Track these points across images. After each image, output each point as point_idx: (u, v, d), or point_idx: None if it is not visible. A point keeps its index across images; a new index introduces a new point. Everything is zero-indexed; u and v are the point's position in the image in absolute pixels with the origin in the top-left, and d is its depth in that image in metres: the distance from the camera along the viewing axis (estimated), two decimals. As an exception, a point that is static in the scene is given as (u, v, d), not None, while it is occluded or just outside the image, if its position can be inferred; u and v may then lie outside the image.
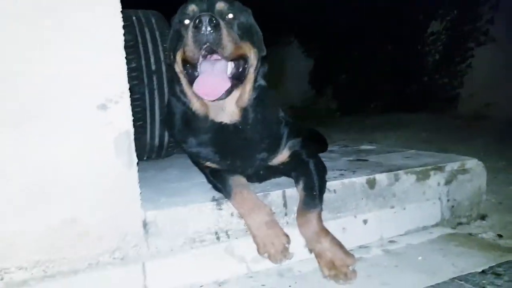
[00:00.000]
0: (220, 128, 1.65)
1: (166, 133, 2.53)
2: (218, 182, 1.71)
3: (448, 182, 2.12)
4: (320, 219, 1.60)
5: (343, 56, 8.91)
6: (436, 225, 2.07)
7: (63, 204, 1.36)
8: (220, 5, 1.57)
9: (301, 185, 1.70)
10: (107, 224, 1.42)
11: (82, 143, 1.37)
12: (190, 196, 1.70)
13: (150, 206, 1.56)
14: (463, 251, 1.75)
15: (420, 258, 1.70)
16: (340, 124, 6.61)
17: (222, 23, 1.45)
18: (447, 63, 7.42)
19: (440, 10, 7.47)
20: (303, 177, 1.71)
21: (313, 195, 1.64)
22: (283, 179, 1.89)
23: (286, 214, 1.74)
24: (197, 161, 1.82)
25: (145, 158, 2.65)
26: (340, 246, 1.57)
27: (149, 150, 2.59)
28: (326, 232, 1.59)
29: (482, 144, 4.38)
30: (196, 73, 1.53)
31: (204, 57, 1.47)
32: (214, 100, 1.52)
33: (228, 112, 1.63)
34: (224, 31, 1.44)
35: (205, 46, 1.42)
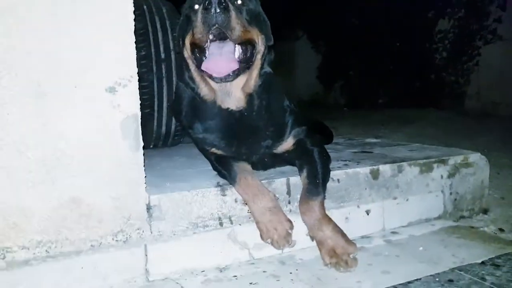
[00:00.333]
0: (227, 114, 1.67)
1: (173, 121, 2.54)
2: (223, 168, 1.72)
3: (451, 175, 2.13)
4: (322, 207, 1.61)
5: (352, 52, 8.90)
6: (439, 217, 2.08)
7: (67, 184, 1.37)
8: None
9: (304, 173, 1.71)
10: (111, 206, 1.44)
11: (89, 123, 1.39)
12: (195, 181, 1.71)
13: (155, 190, 1.58)
14: (464, 243, 1.76)
15: (421, 248, 1.72)
16: (348, 119, 6.61)
17: (231, 6, 1.47)
18: (455, 61, 7.40)
19: (448, 9, 7.45)
20: (307, 165, 1.72)
21: (316, 183, 1.65)
22: (288, 167, 1.90)
23: (289, 202, 1.75)
24: (202, 148, 1.84)
25: (151, 146, 2.67)
26: (342, 234, 1.58)
27: (156, 138, 2.61)
28: (328, 220, 1.60)
29: (487, 140, 4.38)
30: (204, 58, 1.55)
31: (213, 41, 1.49)
32: (222, 80, 1.52)
33: (234, 97, 1.64)
34: (233, 13, 1.46)
35: (214, 27, 1.44)
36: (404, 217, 1.98)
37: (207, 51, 1.52)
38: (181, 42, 1.67)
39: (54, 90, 1.33)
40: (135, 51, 1.44)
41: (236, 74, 1.53)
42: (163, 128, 2.57)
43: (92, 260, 1.41)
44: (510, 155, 3.66)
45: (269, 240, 1.58)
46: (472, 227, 2.00)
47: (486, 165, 2.26)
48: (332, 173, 1.81)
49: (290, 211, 1.73)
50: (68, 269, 1.38)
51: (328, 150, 1.91)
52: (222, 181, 1.71)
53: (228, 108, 1.66)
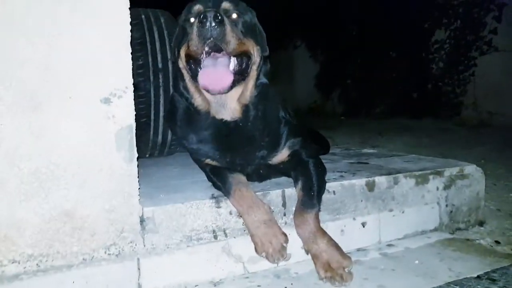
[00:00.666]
0: (221, 125, 1.66)
1: (169, 130, 2.54)
2: (217, 179, 1.71)
3: (447, 187, 2.12)
4: (317, 220, 1.60)
5: (349, 61, 8.97)
6: (435, 229, 2.07)
7: (60, 196, 1.36)
8: (225, 5, 1.60)
9: (299, 185, 1.70)
10: (104, 219, 1.42)
11: (83, 135, 1.38)
12: (189, 193, 1.70)
13: (149, 202, 1.56)
14: (460, 256, 1.75)
15: (417, 262, 1.70)
16: (345, 128, 6.64)
17: (226, 19, 1.48)
18: (451, 71, 7.47)
19: (444, 19, 7.53)
20: (302, 177, 1.72)
21: (311, 196, 1.64)
22: (283, 179, 1.89)
23: (285, 214, 1.74)
24: (197, 158, 1.83)
25: (147, 155, 2.66)
26: (337, 247, 1.57)
27: (152, 147, 2.60)
28: (323, 233, 1.59)
29: (483, 151, 4.39)
30: (199, 69, 1.55)
31: (208, 53, 1.49)
32: (217, 93, 1.52)
33: (229, 108, 1.64)
34: (228, 27, 1.47)
35: (209, 41, 1.45)
36: (400, 230, 1.97)
37: (202, 63, 1.53)
38: (176, 53, 1.68)
39: (48, 101, 1.32)
40: (130, 62, 1.43)
41: (231, 86, 1.53)
42: (159, 137, 2.57)
43: (83, 274, 1.39)
44: (506, 166, 3.67)
45: (263, 254, 1.56)
46: (468, 240, 1.99)
47: (481, 176, 2.26)
48: (327, 185, 1.81)
49: (286, 223, 1.72)
50: (59, 284, 1.36)
51: (324, 161, 1.90)
52: (216, 192, 1.69)
53: (222, 119, 1.65)
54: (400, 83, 8.17)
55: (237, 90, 1.62)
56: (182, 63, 1.64)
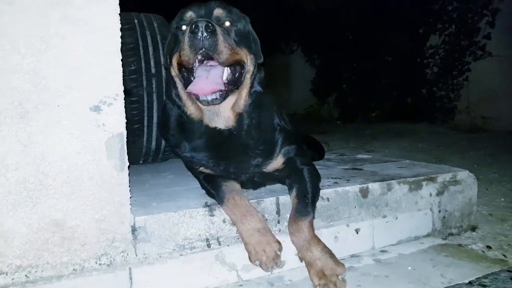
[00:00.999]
0: (215, 133, 1.65)
1: (163, 137, 2.53)
2: (211, 187, 1.70)
3: (440, 193, 2.13)
4: (311, 228, 1.59)
5: (345, 66, 9.02)
6: (428, 235, 2.07)
7: (49, 206, 1.34)
8: (218, 12, 1.59)
9: (294, 192, 1.69)
10: (95, 228, 1.40)
11: (72, 143, 1.36)
12: (183, 201, 1.69)
13: (141, 210, 1.55)
14: (452, 262, 1.75)
15: (410, 268, 1.70)
16: (340, 132, 6.66)
17: (218, 29, 1.46)
18: (445, 76, 7.53)
19: (439, 25, 7.59)
20: (297, 184, 1.71)
21: (306, 203, 1.63)
22: (278, 186, 1.89)
23: (279, 222, 1.73)
24: (190, 166, 1.82)
25: (141, 161, 2.64)
26: (331, 255, 1.56)
27: (146, 154, 2.58)
28: (317, 240, 1.58)
29: (476, 155, 4.42)
30: (192, 78, 1.54)
31: (200, 62, 1.48)
32: (209, 103, 1.51)
33: (223, 117, 1.64)
34: (220, 37, 1.45)
35: (201, 51, 1.44)
36: (394, 236, 1.97)
37: (194, 71, 1.52)
38: (168, 61, 1.67)
39: (36, 109, 1.30)
40: (121, 69, 1.42)
41: (224, 96, 1.52)
42: (153, 144, 2.55)
43: (74, 284, 1.37)
44: (499, 170, 3.70)
45: (257, 262, 1.55)
46: (460, 245, 1.99)
47: (474, 182, 2.27)
48: (321, 192, 1.80)
49: (280, 230, 1.71)
50: (49, 294, 1.34)
51: (319, 167, 1.90)
52: (210, 200, 1.68)
53: (216, 127, 1.64)
54: (395, 87, 8.22)
55: (230, 99, 1.61)
56: (174, 71, 1.63)
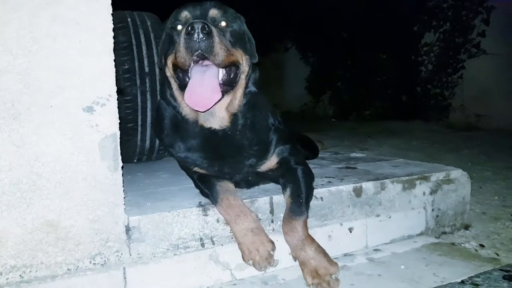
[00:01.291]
0: (209, 133, 1.65)
1: (157, 136, 2.52)
2: (205, 187, 1.70)
3: (433, 192, 2.14)
4: (305, 227, 1.60)
5: (340, 64, 9.02)
6: (421, 234, 2.09)
7: (43, 207, 1.34)
8: (213, 12, 1.58)
9: (288, 192, 1.70)
10: (89, 229, 1.41)
11: (66, 144, 1.36)
12: (177, 201, 1.69)
13: (135, 210, 1.55)
14: (445, 261, 1.77)
15: (403, 267, 1.72)
16: (335, 131, 6.68)
17: (214, 30, 1.46)
18: (440, 74, 7.55)
19: (433, 22, 7.60)
20: (290, 184, 1.72)
21: (300, 203, 1.64)
22: (272, 185, 1.90)
23: (272, 221, 1.74)
24: (185, 166, 1.82)
25: (135, 160, 2.64)
26: (324, 254, 1.57)
27: (140, 153, 2.58)
28: (311, 240, 1.59)
29: (470, 154, 4.45)
30: (187, 78, 1.54)
31: (196, 62, 1.48)
32: (205, 111, 1.52)
33: (217, 117, 1.64)
34: (216, 39, 1.45)
35: (196, 53, 1.43)
36: (387, 234, 1.99)
37: (190, 72, 1.51)
38: (163, 61, 1.66)
39: (28, 110, 1.30)
40: (114, 70, 1.42)
41: (219, 99, 1.52)
42: (147, 143, 2.55)
43: (68, 284, 1.37)
44: (493, 169, 3.72)
45: (250, 262, 1.56)
46: (453, 244, 2.01)
47: (467, 181, 2.29)
48: (315, 191, 1.81)
49: (273, 230, 1.72)
50: (43, 294, 1.34)
51: (313, 166, 1.91)
52: (204, 200, 1.69)
53: (211, 128, 1.64)
54: (390, 85, 8.24)
55: (225, 99, 1.61)
56: (169, 72, 1.62)
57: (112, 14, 1.41)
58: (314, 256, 1.55)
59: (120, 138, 1.45)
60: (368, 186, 1.97)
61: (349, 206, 1.91)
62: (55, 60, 1.32)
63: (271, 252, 1.57)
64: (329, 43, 8.89)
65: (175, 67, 1.56)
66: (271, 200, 1.75)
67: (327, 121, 8.57)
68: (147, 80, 2.40)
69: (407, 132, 6.18)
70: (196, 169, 1.76)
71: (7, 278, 1.32)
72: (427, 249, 1.91)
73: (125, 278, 1.45)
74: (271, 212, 1.74)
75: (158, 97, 2.32)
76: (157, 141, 2.57)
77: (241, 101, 1.66)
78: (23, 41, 1.28)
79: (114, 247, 1.45)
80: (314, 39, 9.14)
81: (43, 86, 1.32)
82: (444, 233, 2.17)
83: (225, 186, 1.69)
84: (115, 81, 1.43)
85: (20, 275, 1.33)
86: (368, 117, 8.27)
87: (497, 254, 1.92)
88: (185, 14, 1.59)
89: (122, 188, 1.47)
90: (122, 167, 1.46)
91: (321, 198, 1.85)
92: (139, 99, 2.39)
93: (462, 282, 1.56)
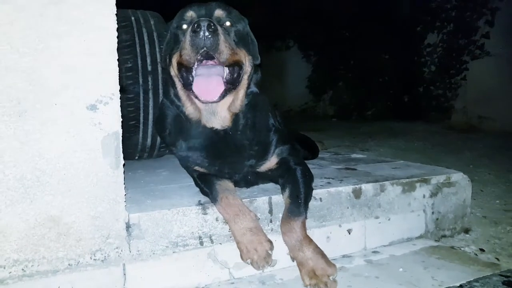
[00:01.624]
0: (211, 133, 1.67)
1: (158, 134, 2.54)
2: (205, 186, 1.72)
3: (433, 195, 2.15)
4: (303, 228, 1.61)
5: (342, 63, 9.01)
6: (420, 237, 2.09)
7: (46, 202, 1.36)
8: (218, 13, 1.60)
9: (287, 192, 1.71)
10: (90, 225, 1.43)
11: (69, 141, 1.37)
12: (176, 199, 1.71)
13: (135, 208, 1.57)
14: (444, 264, 1.78)
15: (401, 269, 1.72)
16: (336, 130, 6.68)
17: (220, 29, 1.48)
18: (442, 75, 7.53)
19: (437, 23, 7.57)
20: (289, 184, 1.73)
21: (298, 203, 1.65)
22: (271, 185, 1.91)
23: (271, 221, 1.75)
24: (185, 165, 1.84)
25: (136, 157, 2.66)
26: (322, 255, 1.58)
27: (141, 150, 2.60)
28: (309, 240, 1.60)
29: (472, 156, 4.44)
30: (190, 77, 1.56)
31: (200, 61, 1.49)
32: (208, 102, 1.53)
33: (219, 117, 1.65)
34: (222, 37, 1.47)
35: (202, 50, 1.45)
36: (386, 237, 2.00)
37: (194, 71, 1.53)
38: (167, 59, 1.67)
39: (33, 107, 1.32)
40: (117, 69, 1.43)
41: (223, 96, 1.54)
42: (149, 140, 2.56)
43: (69, 279, 1.39)
44: (494, 172, 3.71)
45: (248, 261, 1.57)
46: (453, 247, 2.01)
47: (468, 184, 2.29)
48: (314, 192, 1.82)
49: (272, 230, 1.74)
50: (45, 288, 1.36)
51: (312, 166, 1.91)
52: (203, 199, 1.70)
53: (212, 127, 1.66)
54: (392, 86, 8.23)
55: (227, 99, 1.63)
56: (173, 71, 1.63)
57: (116, 13, 1.42)
58: (311, 256, 1.56)
59: (122, 135, 1.47)
60: (368, 188, 1.98)
61: (348, 208, 1.92)
62: (60, 59, 1.34)
63: (269, 252, 1.58)
64: (331, 42, 8.87)
65: (180, 65, 1.57)
66: (270, 200, 1.76)
67: (327, 120, 8.57)
68: (149, 79, 2.42)
69: (409, 133, 6.18)
70: (196, 168, 1.77)
71: (10, 272, 1.34)
72: (426, 252, 1.91)
73: (124, 274, 1.47)
74: (270, 212, 1.75)
75: (161, 96, 2.34)
76: (158, 139, 2.59)
77: (243, 101, 1.68)
78: (30, 40, 1.30)
79: (114, 244, 1.47)
80: (316, 38, 9.13)
81: (48, 84, 1.33)
82: (444, 236, 2.17)
83: (225, 185, 1.71)
84: (118, 80, 1.44)
85: (23, 269, 1.35)
86: (369, 117, 8.27)
87: (497, 259, 1.92)
88: (190, 13, 1.61)
89: (124, 186, 1.48)
90: (124, 165, 1.48)
91: (320, 199, 1.86)
92: (141, 97, 2.40)
93: (460, 286, 1.56)
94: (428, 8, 7.60)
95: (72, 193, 1.40)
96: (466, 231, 2.26)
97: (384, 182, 2.03)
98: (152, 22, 2.51)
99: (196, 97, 1.55)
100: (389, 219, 2.01)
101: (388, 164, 2.55)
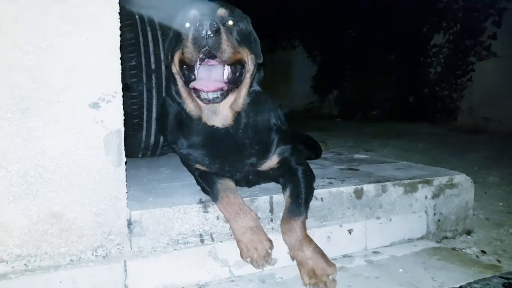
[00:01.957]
0: (212, 131, 1.68)
1: (161, 132, 2.55)
2: (206, 184, 1.73)
3: (435, 196, 2.14)
4: (303, 227, 1.62)
5: (347, 63, 8.98)
6: (421, 238, 2.09)
7: (48, 199, 1.38)
8: (221, 12, 1.61)
9: (288, 192, 1.72)
10: (92, 221, 1.44)
11: (72, 139, 1.39)
12: (178, 197, 1.72)
13: (137, 205, 1.58)
14: (444, 266, 1.77)
15: (401, 270, 1.72)
16: (340, 130, 6.66)
17: (222, 28, 1.48)
18: (448, 76, 7.47)
19: (443, 23, 7.52)
20: (291, 184, 1.73)
21: (299, 203, 1.66)
22: (272, 184, 1.91)
23: (272, 220, 1.76)
24: (187, 163, 1.85)
25: (139, 155, 2.67)
26: (322, 255, 1.59)
27: (144, 148, 2.61)
28: (309, 240, 1.61)
29: (476, 158, 4.40)
30: (192, 76, 1.56)
31: (202, 60, 1.50)
32: (210, 101, 1.54)
33: (221, 115, 1.66)
34: (224, 36, 1.47)
35: (204, 49, 1.45)
36: (387, 237, 1.99)
37: (196, 70, 1.54)
38: (170, 58, 1.68)
39: (36, 105, 1.34)
40: (120, 67, 1.45)
41: (224, 95, 1.55)
42: (152, 138, 2.57)
43: (71, 274, 1.41)
44: (499, 174, 3.67)
45: (248, 259, 1.58)
46: (454, 249, 2.01)
47: (471, 186, 2.28)
48: (315, 192, 1.82)
49: (272, 229, 1.74)
50: (47, 284, 1.38)
51: (315, 166, 1.91)
52: (204, 197, 1.71)
53: (214, 126, 1.67)
54: (397, 86, 8.19)
55: (230, 98, 1.63)
56: (175, 68, 1.64)
57: (120, 11, 1.43)
58: (311, 256, 1.57)
59: (125, 133, 1.48)
60: (369, 188, 1.98)
61: (349, 208, 1.92)
62: (63, 57, 1.36)
63: (269, 251, 1.59)
64: (337, 42, 8.85)
65: (182, 63, 1.58)
66: (271, 199, 1.76)
67: (332, 120, 8.56)
68: (153, 77, 2.43)
69: (413, 134, 6.14)
70: (197, 166, 1.78)
71: (13, 267, 1.36)
72: (427, 254, 1.91)
73: (125, 270, 1.49)
74: (271, 211, 1.76)
75: (164, 94, 2.35)
76: (161, 137, 2.61)
77: (245, 100, 1.68)
78: (33, 38, 1.31)
79: (116, 240, 1.49)
80: (322, 38, 9.11)
81: (51, 82, 1.35)
82: (446, 237, 2.17)
83: (226, 184, 1.71)
84: (121, 78, 1.46)
85: (25, 264, 1.37)
86: (374, 118, 8.24)
87: (499, 261, 1.91)
88: (193, 12, 1.61)
89: (125, 183, 1.50)
90: (126, 163, 1.49)
91: (321, 198, 1.86)
92: (145, 96, 2.41)
93: (460, 287, 1.56)
94: (435, 9, 7.54)
95: (74, 190, 1.41)
96: (468, 232, 2.25)
97: (386, 183, 2.03)
98: (156, 21, 2.52)
99: (198, 97, 1.56)
100: (390, 220, 2.01)
101: (390, 165, 2.54)
